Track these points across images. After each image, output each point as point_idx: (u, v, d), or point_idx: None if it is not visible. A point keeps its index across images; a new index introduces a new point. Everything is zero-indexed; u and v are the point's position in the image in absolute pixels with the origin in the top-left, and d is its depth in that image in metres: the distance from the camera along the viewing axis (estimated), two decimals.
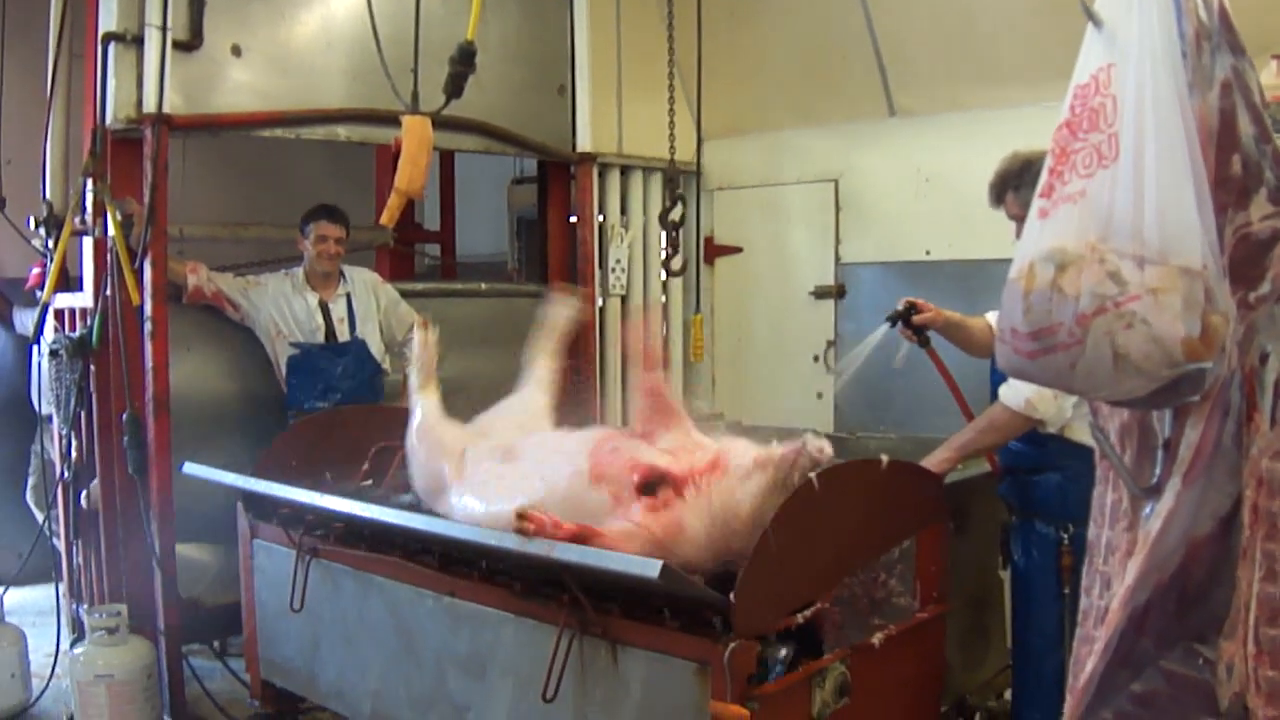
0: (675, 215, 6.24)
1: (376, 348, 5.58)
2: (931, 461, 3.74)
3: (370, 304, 5.63)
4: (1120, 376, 1.96)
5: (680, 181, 6.17)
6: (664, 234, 6.20)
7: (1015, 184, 3.64)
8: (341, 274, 5.58)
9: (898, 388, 6.25)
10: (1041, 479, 3.82)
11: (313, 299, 5.45)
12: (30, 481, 6.61)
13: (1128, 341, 1.92)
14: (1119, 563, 2.19)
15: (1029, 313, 2.01)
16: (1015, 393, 3.62)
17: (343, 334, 5.49)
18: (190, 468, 4.43)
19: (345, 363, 5.42)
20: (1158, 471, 2.13)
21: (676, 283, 7.44)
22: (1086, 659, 2.17)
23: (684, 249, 6.83)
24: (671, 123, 6.03)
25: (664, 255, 6.34)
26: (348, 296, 5.55)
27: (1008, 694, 4.25)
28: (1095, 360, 1.96)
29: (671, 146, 6.04)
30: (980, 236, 5.76)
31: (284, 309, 5.39)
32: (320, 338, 5.42)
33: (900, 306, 4.25)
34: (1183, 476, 2.04)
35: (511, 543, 3.07)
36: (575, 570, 3.00)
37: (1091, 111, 2.05)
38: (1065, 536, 3.71)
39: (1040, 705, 3.71)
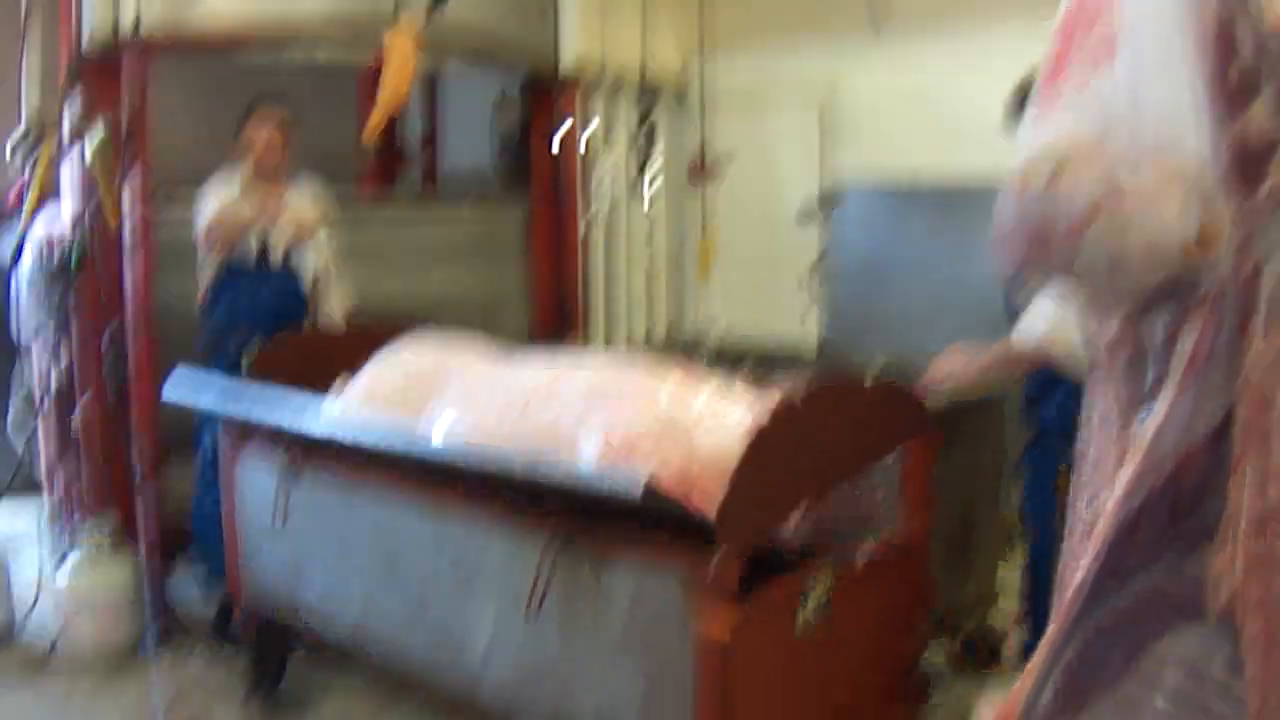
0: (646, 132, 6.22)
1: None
2: (954, 363, 3.77)
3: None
4: (1115, 279, 1.94)
5: (650, 98, 6.13)
6: (636, 153, 6.18)
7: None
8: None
9: (883, 309, 6.25)
10: (1048, 401, 3.94)
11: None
12: (11, 412, 6.57)
13: (1124, 244, 1.90)
14: (1108, 474, 2.18)
15: (1024, 215, 1.98)
16: (1030, 330, 3.63)
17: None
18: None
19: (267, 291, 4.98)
20: (1150, 380, 2.11)
21: (660, 202, 7.41)
22: (1073, 571, 2.16)
23: (655, 167, 6.85)
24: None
25: (636, 172, 6.33)
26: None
27: (991, 614, 4.29)
28: (1091, 263, 1.93)
29: (644, 64, 5.97)
30: (970, 158, 5.73)
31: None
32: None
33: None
34: (1176, 384, 2.01)
35: (496, 461, 3.08)
36: (560, 488, 3.00)
37: (1089, 13, 2.01)
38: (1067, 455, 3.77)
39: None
